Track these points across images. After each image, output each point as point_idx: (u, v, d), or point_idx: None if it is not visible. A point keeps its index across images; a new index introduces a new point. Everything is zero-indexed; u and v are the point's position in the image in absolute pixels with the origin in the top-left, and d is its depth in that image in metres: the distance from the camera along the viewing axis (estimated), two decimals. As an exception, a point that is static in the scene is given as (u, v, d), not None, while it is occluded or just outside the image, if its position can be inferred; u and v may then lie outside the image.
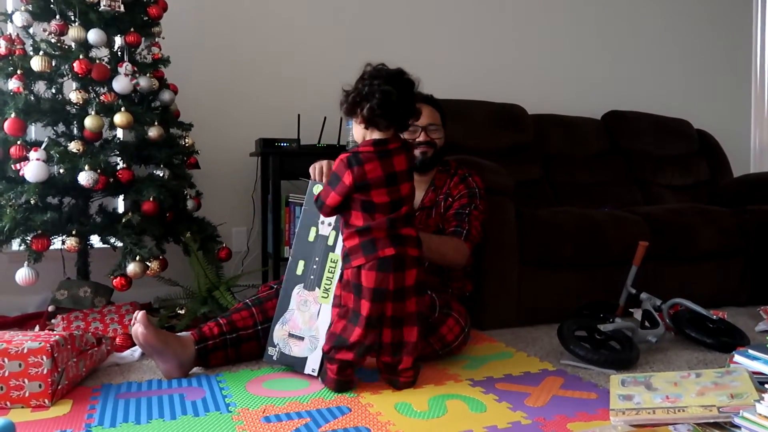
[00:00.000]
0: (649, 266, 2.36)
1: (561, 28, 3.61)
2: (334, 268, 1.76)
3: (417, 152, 2.11)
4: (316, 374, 1.72)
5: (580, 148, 3.32)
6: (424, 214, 2.14)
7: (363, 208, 1.59)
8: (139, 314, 1.74)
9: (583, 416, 1.49)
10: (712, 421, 1.35)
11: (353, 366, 1.65)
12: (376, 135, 1.62)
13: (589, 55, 3.68)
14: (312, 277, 1.77)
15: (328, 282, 1.77)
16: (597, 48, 3.70)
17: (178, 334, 1.85)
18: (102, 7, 2.19)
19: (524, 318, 2.42)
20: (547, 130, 3.25)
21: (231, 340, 1.83)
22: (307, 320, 1.75)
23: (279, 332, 1.77)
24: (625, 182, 3.36)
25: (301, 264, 1.79)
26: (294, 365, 1.75)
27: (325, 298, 1.76)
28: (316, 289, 1.77)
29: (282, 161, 2.65)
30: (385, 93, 1.57)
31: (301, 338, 1.75)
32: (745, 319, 2.51)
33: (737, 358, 1.60)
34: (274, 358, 1.77)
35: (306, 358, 1.74)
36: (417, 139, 2.11)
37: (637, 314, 2.18)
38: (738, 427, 1.29)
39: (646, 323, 2.12)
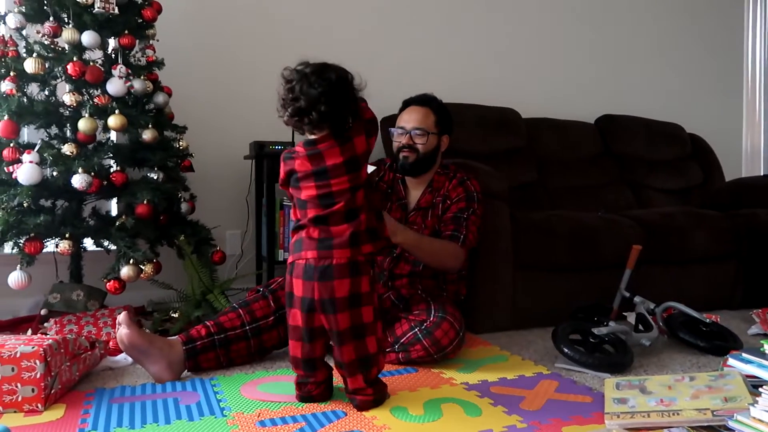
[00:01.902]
0: (642, 270, 2.37)
1: (554, 33, 3.62)
2: None
3: (400, 156, 2.11)
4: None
5: (573, 151, 3.33)
6: (419, 214, 2.14)
7: (298, 204, 1.55)
8: (122, 316, 1.74)
9: (578, 420, 1.49)
10: (706, 424, 1.36)
11: (308, 382, 1.58)
12: (310, 135, 1.53)
13: (582, 59, 3.70)
14: None
15: None
16: (590, 52, 3.72)
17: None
18: (96, 9, 2.18)
19: (519, 321, 2.43)
20: (540, 134, 3.26)
21: (219, 341, 1.82)
22: None
23: None
24: (619, 186, 3.38)
25: None
26: None
27: None
28: None
29: (276, 164, 2.62)
30: (295, 101, 1.47)
31: None
32: (738, 322, 2.53)
33: (731, 361, 1.61)
34: None
35: None
36: (401, 143, 2.11)
37: (631, 317, 2.19)
38: (732, 430, 1.30)
39: (640, 326, 2.13)
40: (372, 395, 1.55)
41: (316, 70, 1.48)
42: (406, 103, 2.19)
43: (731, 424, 1.30)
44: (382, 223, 1.60)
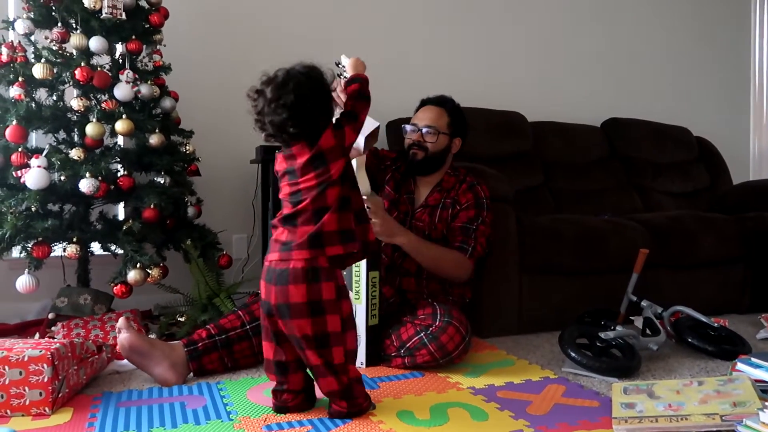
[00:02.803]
0: (649, 274, 2.36)
1: (560, 36, 3.62)
2: (358, 269, 1.86)
3: (409, 152, 2.13)
4: (364, 366, 1.87)
5: (579, 155, 3.33)
6: (426, 211, 2.14)
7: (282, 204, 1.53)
8: (120, 321, 1.75)
9: (586, 424, 1.49)
10: (714, 429, 1.35)
11: (283, 390, 1.52)
12: None
13: (588, 62, 3.69)
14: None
15: (357, 284, 1.89)
16: (596, 55, 3.71)
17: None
18: (104, 15, 2.20)
19: (525, 326, 2.42)
20: (546, 138, 3.26)
21: (221, 342, 1.83)
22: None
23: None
24: (625, 189, 3.36)
25: None
26: None
27: (357, 299, 1.88)
28: (350, 292, 1.79)
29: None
30: (263, 128, 1.45)
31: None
32: (746, 326, 2.51)
33: (740, 366, 1.60)
34: None
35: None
36: (412, 139, 2.12)
37: (638, 322, 2.18)
38: (741, 435, 1.29)
39: (647, 331, 2.12)
40: (346, 408, 1.48)
41: (277, 88, 1.42)
42: (423, 102, 2.21)
43: (740, 429, 1.29)
44: (365, 225, 1.51)
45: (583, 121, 3.46)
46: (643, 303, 2.18)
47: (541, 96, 3.52)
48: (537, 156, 3.20)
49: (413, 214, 2.15)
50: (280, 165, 1.51)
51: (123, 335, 1.72)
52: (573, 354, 1.90)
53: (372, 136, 1.79)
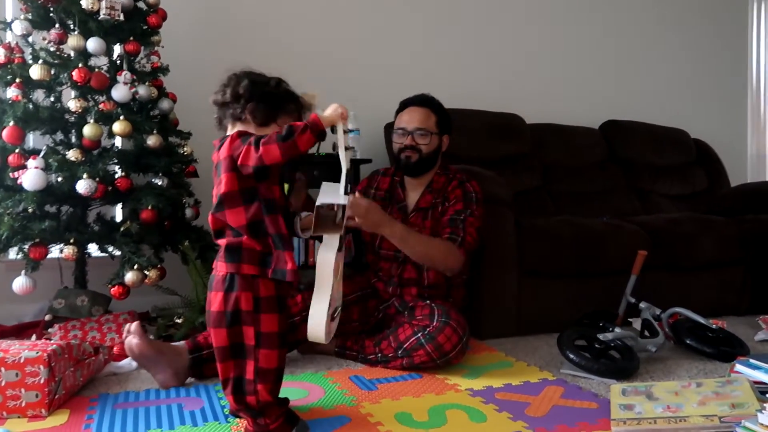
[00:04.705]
0: (648, 275, 2.35)
1: (559, 38, 3.62)
2: None
3: (403, 156, 2.11)
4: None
5: (578, 157, 3.33)
6: (420, 215, 2.13)
7: None
8: (133, 325, 1.74)
9: (584, 426, 1.48)
10: (713, 431, 1.35)
11: (239, 412, 1.40)
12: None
13: (586, 65, 3.69)
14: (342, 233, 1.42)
15: None
16: (595, 58, 3.71)
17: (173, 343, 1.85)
18: (101, 16, 2.20)
19: (524, 327, 2.41)
20: (545, 140, 3.26)
21: None
22: (338, 286, 1.44)
23: (326, 327, 1.38)
24: (624, 191, 3.36)
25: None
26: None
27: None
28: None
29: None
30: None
31: (338, 310, 1.48)
32: (745, 328, 2.51)
33: (738, 367, 1.60)
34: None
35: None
36: (403, 143, 2.11)
37: (636, 323, 2.18)
38: (740, 437, 1.29)
39: (646, 333, 2.12)
40: (253, 429, 1.37)
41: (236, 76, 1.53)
42: (405, 104, 2.18)
43: (739, 430, 1.29)
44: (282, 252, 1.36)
45: (581, 123, 3.46)
46: (642, 305, 2.18)
47: (539, 98, 3.52)
48: (536, 158, 3.20)
49: (407, 221, 2.12)
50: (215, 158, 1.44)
51: (134, 341, 1.71)
52: (572, 356, 1.89)
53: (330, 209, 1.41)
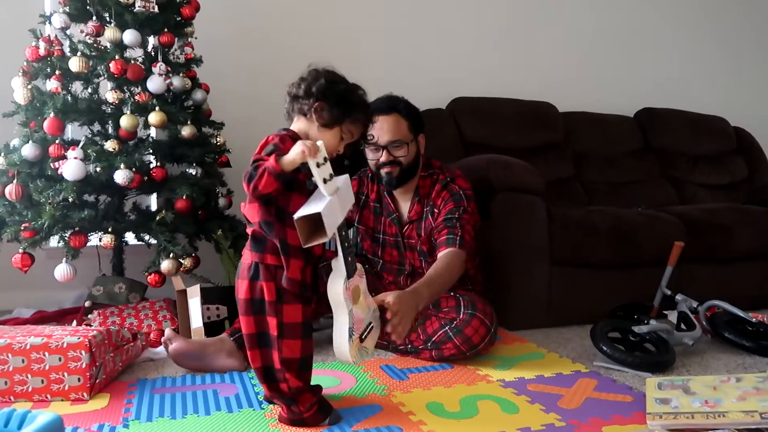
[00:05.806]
0: (684, 267, 2.30)
1: (592, 25, 3.55)
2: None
3: (382, 172, 1.98)
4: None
5: (612, 146, 3.27)
6: (413, 227, 2.05)
7: None
8: (166, 332, 1.80)
9: (619, 419, 1.47)
10: (753, 427, 1.32)
11: (273, 398, 1.46)
12: None
13: (621, 51, 3.61)
14: (350, 259, 1.41)
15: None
16: (629, 44, 3.63)
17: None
18: (137, 8, 2.23)
19: (555, 318, 2.39)
20: (578, 128, 3.21)
21: None
22: (364, 305, 1.45)
23: (352, 350, 1.39)
24: (659, 181, 3.30)
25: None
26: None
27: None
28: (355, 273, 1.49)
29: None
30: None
31: (371, 327, 1.48)
32: (785, 322, 2.44)
33: (779, 362, 1.56)
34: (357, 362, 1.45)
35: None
36: (380, 160, 1.97)
37: (672, 316, 2.14)
38: (781, 433, 1.26)
39: (682, 325, 2.08)
40: (287, 415, 1.41)
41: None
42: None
43: (781, 427, 1.26)
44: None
45: (615, 111, 3.39)
46: (678, 297, 2.14)
47: (572, 86, 3.46)
48: (568, 147, 3.15)
49: (403, 235, 2.07)
50: None
51: (172, 346, 1.77)
52: (605, 348, 1.87)
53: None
